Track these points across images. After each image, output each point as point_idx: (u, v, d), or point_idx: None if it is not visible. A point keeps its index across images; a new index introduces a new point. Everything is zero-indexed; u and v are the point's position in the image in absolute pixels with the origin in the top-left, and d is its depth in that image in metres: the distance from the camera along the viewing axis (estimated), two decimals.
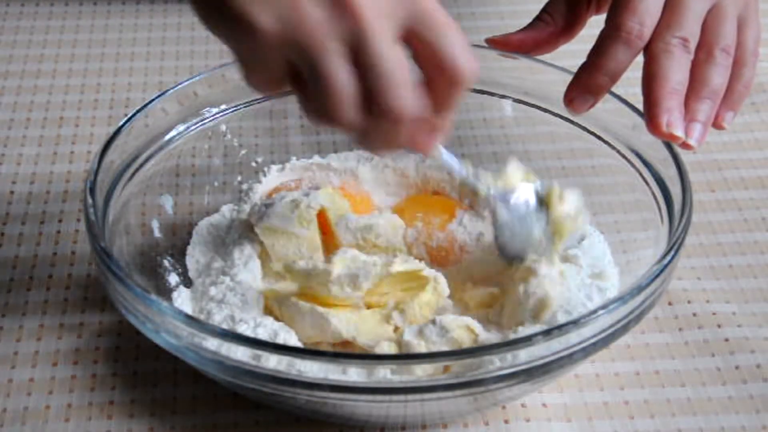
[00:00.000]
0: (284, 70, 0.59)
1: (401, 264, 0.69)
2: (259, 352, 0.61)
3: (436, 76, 0.60)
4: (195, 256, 0.76)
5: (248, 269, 0.73)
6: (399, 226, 0.77)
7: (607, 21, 0.70)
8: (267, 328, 0.68)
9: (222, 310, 0.70)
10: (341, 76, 0.57)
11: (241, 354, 0.61)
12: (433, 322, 0.67)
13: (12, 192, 0.85)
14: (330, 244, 0.75)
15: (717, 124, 0.71)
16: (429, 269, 0.71)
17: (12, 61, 1.00)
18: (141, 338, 0.64)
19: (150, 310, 0.62)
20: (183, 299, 0.72)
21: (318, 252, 0.74)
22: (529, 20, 0.78)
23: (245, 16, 0.57)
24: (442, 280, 0.71)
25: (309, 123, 0.62)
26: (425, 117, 0.60)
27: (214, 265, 0.74)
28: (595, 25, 0.74)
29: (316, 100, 0.59)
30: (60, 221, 0.82)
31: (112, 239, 0.69)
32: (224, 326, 0.68)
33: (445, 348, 0.66)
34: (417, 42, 0.59)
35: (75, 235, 0.81)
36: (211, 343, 0.61)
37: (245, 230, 0.76)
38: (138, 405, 0.69)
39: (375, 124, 0.59)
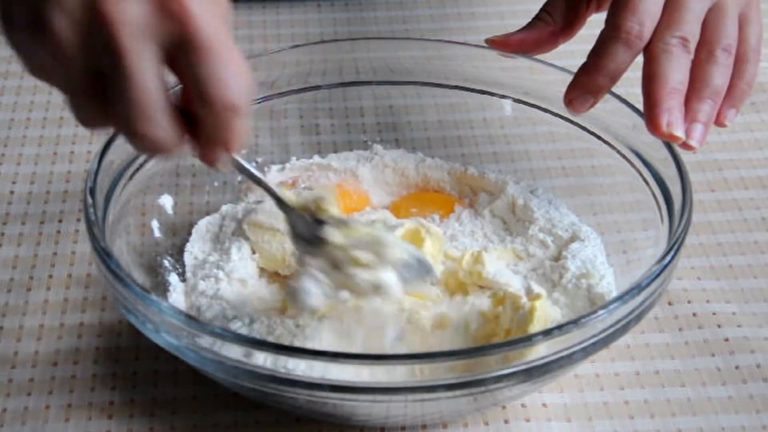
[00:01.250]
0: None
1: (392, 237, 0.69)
2: (260, 353, 0.61)
3: (196, 105, 0.56)
4: (193, 253, 0.76)
5: (242, 265, 0.73)
6: (391, 221, 0.77)
7: (607, 21, 0.70)
8: (262, 325, 0.68)
9: (213, 306, 0.70)
10: (83, 99, 0.56)
11: (240, 354, 0.61)
12: None
13: (12, 192, 0.85)
14: None
15: (719, 122, 0.71)
16: (414, 222, 0.73)
17: (12, 61, 0.99)
18: (141, 338, 0.64)
19: (150, 310, 0.62)
20: (177, 294, 0.72)
21: None
22: (529, 20, 0.78)
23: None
24: (433, 228, 0.72)
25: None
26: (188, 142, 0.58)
27: (209, 260, 0.75)
28: (595, 25, 0.74)
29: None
30: (60, 221, 0.82)
31: (112, 239, 0.69)
32: (216, 323, 0.68)
33: None
34: (178, 66, 0.56)
35: (75, 235, 0.81)
36: (211, 343, 0.61)
37: (239, 227, 0.76)
38: (138, 405, 0.69)
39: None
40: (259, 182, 0.67)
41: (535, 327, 0.66)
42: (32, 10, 0.55)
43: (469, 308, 0.70)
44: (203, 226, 0.78)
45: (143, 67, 0.54)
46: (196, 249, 0.76)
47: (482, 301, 0.70)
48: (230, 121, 0.57)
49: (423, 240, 0.72)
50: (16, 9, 0.55)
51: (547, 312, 0.68)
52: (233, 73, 0.56)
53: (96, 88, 0.56)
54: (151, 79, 0.55)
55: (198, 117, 0.57)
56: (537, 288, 0.69)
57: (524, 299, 0.68)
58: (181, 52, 0.55)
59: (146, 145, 0.57)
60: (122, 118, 0.56)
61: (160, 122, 0.56)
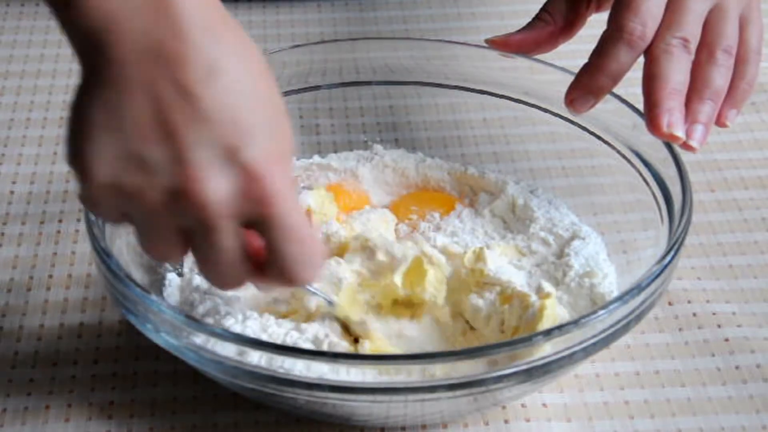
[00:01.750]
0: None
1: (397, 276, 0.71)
2: (261, 353, 0.61)
3: (275, 273, 0.59)
4: None
5: None
6: (390, 221, 0.77)
7: (609, 22, 0.70)
8: (256, 321, 0.68)
9: (206, 302, 0.70)
10: (164, 244, 0.58)
11: (239, 354, 0.61)
12: None
13: (12, 192, 0.85)
14: None
15: (720, 122, 0.71)
16: (415, 249, 0.73)
17: (12, 61, 0.99)
18: (141, 338, 0.64)
19: (150, 310, 0.62)
20: (172, 288, 0.72)
21: None
22: (529, 20, 0.78)
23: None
24: (436, 254, 0.73)
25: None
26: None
27: None
28: (595, 25, 0.74)
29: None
30: (60, 221, 0.82)
31: (112, 239, 0.69)
32: (209, 319, 0.68)
33: None
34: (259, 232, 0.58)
35: (75, 235, 0.81)
36: (210, 343, 0.61)
37: None
38: (138, 405, 0.69)
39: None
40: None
41: (544, 326, 0.66)
42: (120, 171, 0.55)
43: (472, 308, 0.70)
44: None
45: (228, 242, 0.57)
46: None
47: (486, 300, 0.70)
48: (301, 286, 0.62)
49: (426, 272, 0.71)
50: (100, 166, 0.55)
51: (555, 311, 0.68)
52: (309, 254, 0.59)
53: (180, 238, 0.58)
54: (234, 250, 0.58)
55: (270, 275, 0.60)
56: (548, 287, 0.69)
57: (533, 297, 0.68)
58: (262, 227, 0.58)
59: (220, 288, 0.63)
60: (204, 272, 0.60)
61: (237, 280, 0.60)
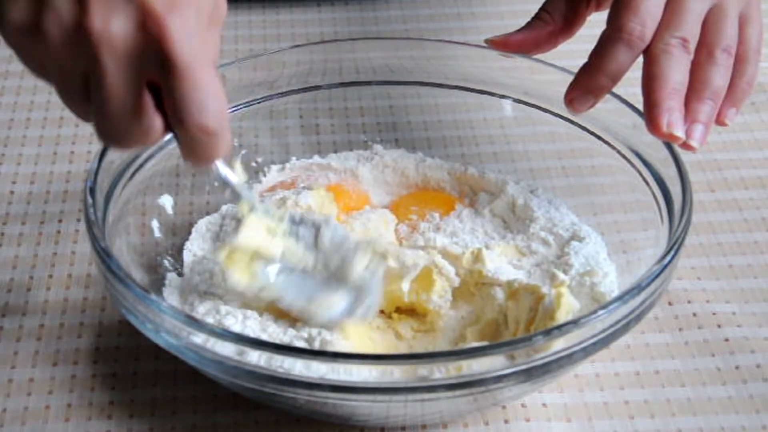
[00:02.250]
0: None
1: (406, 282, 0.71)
2: (261, 353, 0.61)
3: (173, 125, 0.58)
4: (192, 251, 0.76)
5: None
6: (390, 221, 0.77)
7: (609, 22, 0.70)
8: (256, 321, 0.68)
9: (206, 301, 0.70)
10: (73, 96, 0.58)
11: (239, 354, 0.61)
12: None
13: (12, 192, 0.85)
14: None
15: (719, 121, 0.71)
16: (423, 257, 0.73)
17: (12, 61, 0.99)
18: (141, 338, 0.64)
19: (150, 310, 0.62)
20: (172, 288, 0.72)
21: None
22: (529, 20, 0.78)
23: None
24: (446, 269, 0.72)
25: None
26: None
27: (208, 256, 0.75)
28: (595, 25, 0.74)
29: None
30: (60, 221, 0.82)
31: (112, 239, 0.69)
32: (209, 319, 0.68)
33: None
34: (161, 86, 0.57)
35: (75, 235, 0.81)
36: (210, 343, 0.61)
37: (239, 225, 0.76)
38: (138, 405, 0.69)
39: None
40: (231, 188, 0.68)
41: (561, 314, 0.66)
42: (28, 12, 0.56)
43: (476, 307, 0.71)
44: (203, 225, 0.78)
45: (121, 85, 0.56)
46: (195, 247, 0.76)
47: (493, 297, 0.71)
48: (205, 142, 0.58)
49: (434, 282, 0.72)
50: (13, 9, 0.57)
51: (571, 300, 0.68)
52: (206, 96, 0.57)
53: (85, 87, 0.57)
54: (127, 97, 0.56)
55: (176, 135, 0.59)
56: (561, 275, 0.69)
57: (545, 288, 0.68)
58: (160, 72, 0.56)
59: (112, 146, 0.62)
60: (96, 123, 0.59)
61: (127, 133, 0.58)
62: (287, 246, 0.69)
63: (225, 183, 0.66)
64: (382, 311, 0.72)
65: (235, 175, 0.67)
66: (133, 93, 0.57)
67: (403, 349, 0.70)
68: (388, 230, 0.77)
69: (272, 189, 0.80)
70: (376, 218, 0.77)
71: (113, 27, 0.55)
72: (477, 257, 0.73)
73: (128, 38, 0.55)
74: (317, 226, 0.69)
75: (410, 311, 0.72)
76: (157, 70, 0.56)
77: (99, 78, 0.56)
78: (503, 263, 0.74)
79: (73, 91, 0.58)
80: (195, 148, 0.59)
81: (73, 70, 0.57)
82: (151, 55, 0.56)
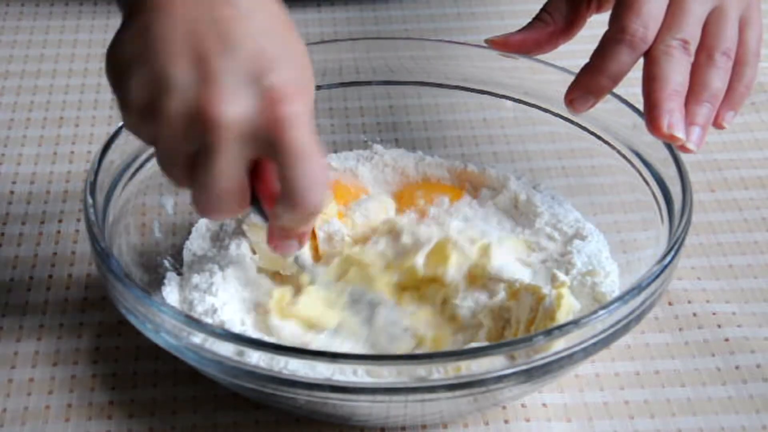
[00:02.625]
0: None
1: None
2: (261, 353, 0.61)
3: (284, 200, 0.61)
4: (192, 250, 0.76)
5: (239, 260, 0.73)
6: (390, 207, 0.78)
7: (611, 23, 0.70)
8: (254, 320, 0.68)
9: (206, 300, 0.70)
10: (177, 169, 0.60)
11: (239, 354, 0.61)
12: None
13: (12, 192, 0.85)
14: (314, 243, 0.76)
15: (717, 124, 0.71)
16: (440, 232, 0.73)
17: (12, 61, 0.99)
18: (141, 338, 0.64)
19: (150, 310, 0.62)
20: (171, 287, 0.72)
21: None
22: (529, 20, 0.78)
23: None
24: (460, 243, 0.73)
25: None
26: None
27: (208, 255, 0.75)
28: (595, 25, 0.74)
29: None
30: (60, 221, 0.82)
31: (112, 239, 0.69)
32: (208, 318, 0.68)
33: None
34: (273, 165, 0.60)
35: (75, 235, 0.81)
36: (210, 343, 0.61)
37: (239, 226, 0.76)
38: (138, 405, 0.69)
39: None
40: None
41: (562, 314, 0.66)
42: (149, 93, 0.58)
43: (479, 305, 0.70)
44: (203, 225, 0.78)
45: (231, 166, 0.59)
46: (195, 246, 0.76)
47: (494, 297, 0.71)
48: (309, 221, 0.63)
49: (448, 256, 0.72)
50: (133, 94, 0.59)
51: (571, 300, 0.68)
52: (319, 176, 0.60)
53: (190, 161, 0.60)
54: (235, 177, 0.59)
55: (277, 211, 0.62)
56: (561, 276, 0.69)
57: (546, 288, 0.68)
58: (274, 152, 0.59)
59: (208, 218, 0.65)
60: (196, 196, 0.61)
61: (228, 208, 0.61)
62: (344, 319, 0.70)
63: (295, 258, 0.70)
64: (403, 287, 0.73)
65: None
66: (240, 173, 0.60)
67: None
68: (388, 215, 0.77)
69: None
70: (375, 206, 0.77)
71: (235, 111, 0.57)
72: (485, 251, 0.73)
73: (248, 120, 0.58)
74: (375, 305, 0.70)
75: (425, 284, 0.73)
76: (272, 152, 0.59)
77: (210, 158, 0.58)
78: (510, 259, 0.74)
79: (178, 164, 0.60)
80: (295, 228, 0.63)
81: (184, 147, 0.59)
82: (265, 138, 0.58)
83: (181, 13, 0.58)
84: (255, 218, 0.69)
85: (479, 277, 0.73)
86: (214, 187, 0.59)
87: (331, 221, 0.75)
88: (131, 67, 0.59)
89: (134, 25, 0.59)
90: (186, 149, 0.59)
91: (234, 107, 0.57)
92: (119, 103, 0.60)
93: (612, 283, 0.72)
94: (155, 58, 0.58)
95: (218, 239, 0.77)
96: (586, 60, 0.71)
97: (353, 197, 0.80)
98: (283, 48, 0.60)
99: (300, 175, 0.59)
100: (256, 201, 0.62)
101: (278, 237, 0.64)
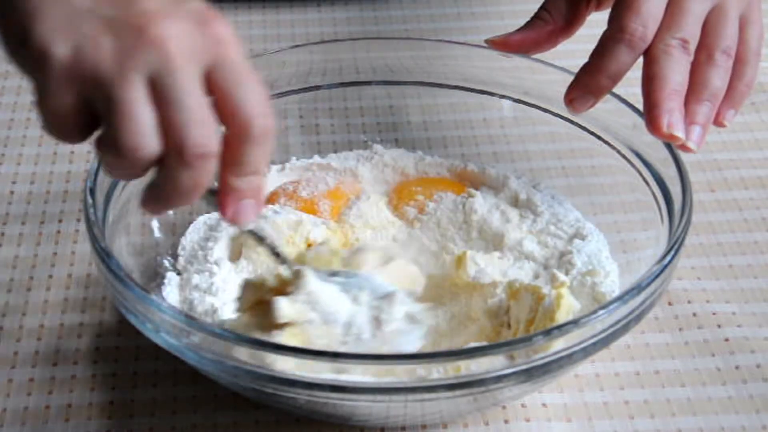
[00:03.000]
0: (76, 108, 0.56)
1: None
2: (263, 354, 0.61)
3: (228, 126, 0.57)
4: (186, 247, 0.76)
5: (237, 262, 0.74)
6: (382, 205, 0.77)
7: (610, 22, 0.70)
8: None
9: (206, 301, 0.70)
10: (140, 106, 0.55)
11: (243, 356, 0.61)
12: None
13: (12, 192, 0.85)
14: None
15: (718, 122, 0.71)
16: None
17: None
18: (141, 338, 0.64)
19: (150, 310, 0.62)
20: (172, 287, 0.72)
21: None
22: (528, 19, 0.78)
23: (42, 45, 0.55)
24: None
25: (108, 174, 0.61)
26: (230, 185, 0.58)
27: (207, 245, 0.75)
28: (595, 25, 0.74)
29: (113, 134, 0.55)
30: (60, 221, 0.82)
31: (112, 239, 0.69)
32: (208, 318, 0.68)
33: None
34: (215, 89, 0.57)
35: (75, 235, 0.81)
36: (210, 343, 0.61)
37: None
38: (138, 405, 0.69)
39: (173, 166, 0.56)
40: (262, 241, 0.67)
41: (561, 314, 0.66)
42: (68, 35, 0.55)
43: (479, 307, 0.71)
44: (201, 221, 0.78)
45: (192, 80, 0.55)
46: (187, 240, 0.76)
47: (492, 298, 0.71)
48: (250, 144, 0.57)
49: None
50: (64, 92, 0.55)
51: (570, 300, 0.68)
52: (263, 102, 0.57)
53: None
54: (200, 92, 0.56)
55: (227, 141, 0.57)
56: (561, 276, 0.69)
57: (546, 288, 0.68)
58: (222, 73, 0.56)
59: (191, 154, 0.55)
60: (176, 125, 0.55)
61: (210, 131, 0.56)
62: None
63: (265, 244, 0.66)
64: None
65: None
66: (202, 93, 0.56)
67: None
68: (381, 212, 0.77)
69: (276, 195, 0.80)
70: (368, 207, 0.77)
71: (177, 31, 0.55)
72: (460, 262, 0.72)
73: (192, 40, 0.55)
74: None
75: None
76: (217, 72, 0.56)
77: (172, 80, 0.54)
78: (489, 266, 0.73)
79: (140, 118, 0.55)
80: (240, 155, 0.57)
81: (137, 87, 0.55)
82: (212, 55, 0.56)
83: None
84: (209, 206, 0.64)
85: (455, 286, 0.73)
86: (186, 107, 0.55)
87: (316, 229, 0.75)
88: (45, 14, 0.55)
89: None
90: (141, 82, 0.54)
91: (175, 26, 0.55)
92: (35, 65, 0.55)
93: (612, 283, 0.72)
94: None
95: (212, 230, 0.76)
96: (586, 60, 0.71)
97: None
98: None
99: (246, 93, 0.56)
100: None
101: (232, 201, 0.59)
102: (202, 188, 0.57)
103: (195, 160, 0.55)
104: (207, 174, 0.56)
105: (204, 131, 0.55)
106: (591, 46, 0.70)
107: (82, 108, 0.56)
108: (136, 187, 0.74)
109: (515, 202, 0.79)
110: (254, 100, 0.57)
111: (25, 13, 0.55)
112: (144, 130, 0.55)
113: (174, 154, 0.55)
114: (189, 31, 0.55)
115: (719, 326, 0.74)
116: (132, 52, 0.54)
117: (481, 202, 0.78)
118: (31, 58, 0.55)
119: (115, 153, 0.56)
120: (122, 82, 0.54)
